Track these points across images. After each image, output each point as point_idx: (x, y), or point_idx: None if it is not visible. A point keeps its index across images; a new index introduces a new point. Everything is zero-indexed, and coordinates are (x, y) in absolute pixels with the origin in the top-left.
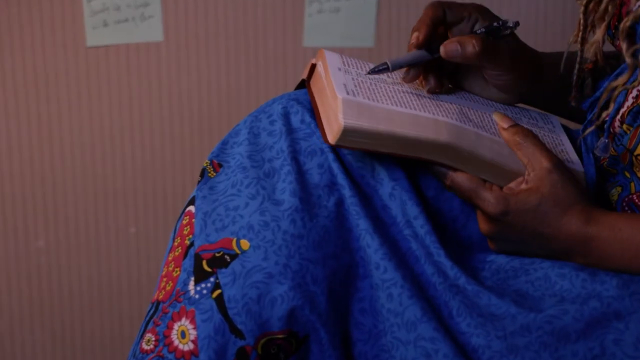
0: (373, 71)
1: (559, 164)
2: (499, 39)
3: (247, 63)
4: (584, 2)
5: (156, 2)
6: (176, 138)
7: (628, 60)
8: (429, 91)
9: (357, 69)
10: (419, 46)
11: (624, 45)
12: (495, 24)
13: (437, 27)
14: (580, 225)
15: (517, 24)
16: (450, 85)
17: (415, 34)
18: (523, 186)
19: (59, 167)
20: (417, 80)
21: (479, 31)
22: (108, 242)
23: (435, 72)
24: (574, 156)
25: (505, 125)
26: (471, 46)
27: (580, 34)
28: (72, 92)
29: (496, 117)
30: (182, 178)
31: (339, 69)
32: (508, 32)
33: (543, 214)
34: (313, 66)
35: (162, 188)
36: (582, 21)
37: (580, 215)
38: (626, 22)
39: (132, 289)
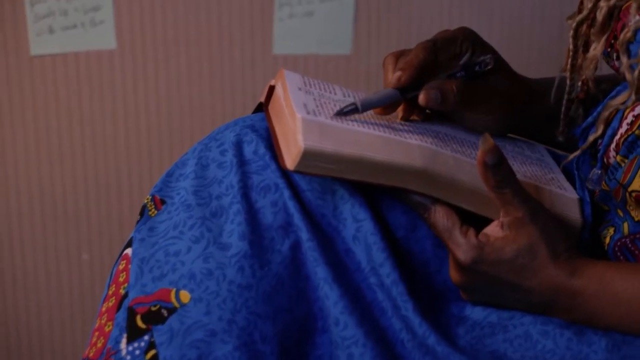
0: (340, 113)
1: (538, 210)
2: (479, 77)
3: (211, 72)
4: (575, 24)
5: (108, 5)
6: (132, 156)
7: (628, 76)
8: (403, 119)
9: (320, 90)
10: (397, 88)
11: (624, 60)
12: (476, 67)
13: (424, 72)
14: (564, 277)
15: (493, 59)
16: (428, 112)
17: (398, 74)
18: (500, 233)
19: (2, 189)
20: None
21: (458, 74)
22: (58, 269)
23: (412, 102)
24: (565, 183)
25: (483, 150)
26: (452, 96)
27: (570, 60)
28: (14, 105)
29: (480, 142)
30: (139, 199)
31: (300, 89)
32: (488, 69)
33: (520, 266)
34: (272, 88)
35: (117, 210)
36: (571, 46)
37: (564, 266)
38: (627, 33)
39: (86, 315)
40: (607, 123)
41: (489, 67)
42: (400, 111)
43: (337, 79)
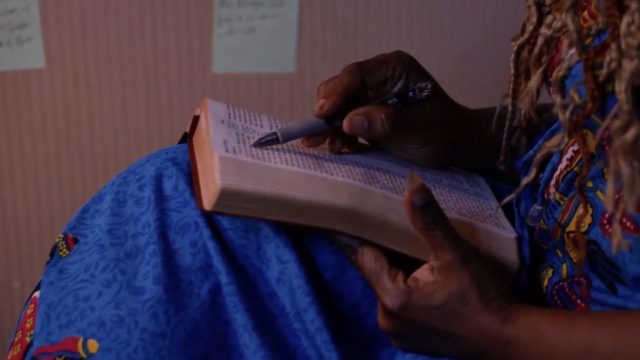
0: (260, 143)
1: (470, 253)
2: (414, 105)
3: (147, 92)
4: (515, 48)
5: (35, 22)
6: (64, 179)
7: (560, 116)
8: (332, 151)
9: (245, 122)
10: (321, 117)
11: (557, 98)
12: (410, 93)
13: (351, 97)
14: (496, 325)
15: (433, 88)
16: (359, 144)
17: (321, 102)
18: (429, 278)
19: None
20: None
21: (390, 101)
22: None
23: (341, 132)
24: (504, 220)
25: (410, 190)
26: (380, 123)
27: (512, 86)
28: None
29: (407, 182)
30: None
31: (222, 122)
32: (424, 97)
33: (450, 313)
34: (197, 118)
35: (49, 235)
36: (512, 71)
37: (496, 313)
38: (559, 72)
39: None
40: (542, 165)
41: (425, 94)
42: (330, 143)
43: (281, 98)
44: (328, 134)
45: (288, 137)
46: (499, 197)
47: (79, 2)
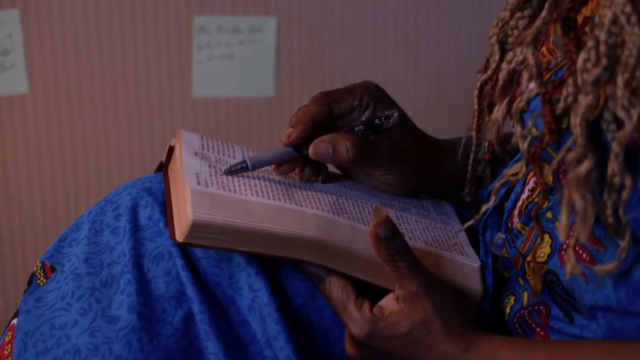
0: (230, 171)
1: (433, 283)
2: (381, 133)
3: (128, 117)
4: (479, 84)
5: (18, 49)
6: (48, 203)
7: (520, 146)
8: (301, 179)
9: (218, 153)
10: (288, 145)
11: (517, 129)
12: (376, 120)
13: (318, 125)
14: (458, 353)
15: (400, 116)
16: (329, 172)
17: (288, 132)
18: (395, 307)
19: None
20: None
21: (356, 129)
22: None
23: (311, 160)
24: (468, 249)
25: (375, 223)
26: (345, 150)
27: (476, 120)
28: None
29: (372, 214)
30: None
31: (196, 154)
32: (391, 124)
33: (414, 341)
34: (172, 149)
35: (32, 257)
36: (476, 106)
37: (458, 341)
38: (519, 104)
39: None
40: (503, 192)
41: (392, 122)
42: (299, 171)
43: (260, 122)
44: (297, 162)
45: (257, 165)
46: (464, 224)
47: (61, 29)
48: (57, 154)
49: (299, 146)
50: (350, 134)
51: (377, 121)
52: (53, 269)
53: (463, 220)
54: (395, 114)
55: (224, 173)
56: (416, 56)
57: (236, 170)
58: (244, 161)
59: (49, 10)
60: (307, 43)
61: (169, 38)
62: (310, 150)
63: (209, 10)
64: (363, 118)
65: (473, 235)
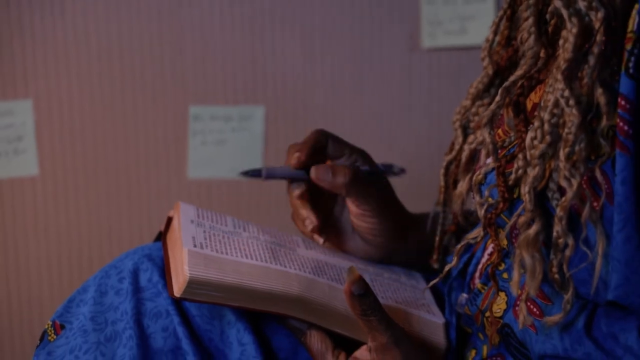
0: (246, 173)
1: (401, 336)
2: (380, 178)
3: (129, 197)
4: (445, 164)
5: (30, 135)
6: (54, 278)
7: (479, 213)
8: (313, 230)
9: (212, 222)
10: (299, 167)
11: (477, 198)
12: (381, 166)
13: (318, 154)
14: None
15: (402, 170)
16: (322, 240)
17: (297, 155)
18: (367, 357)
19: None
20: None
21: (362, 168)
22: None
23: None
24: (434, 308)
25: (349, 281)
26: (342, 176)
27: (442, 195)
28: None
29: (346, 274)
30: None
31: (192, 222)
32: (393, 174)
33: None
34: (170, 219)
35: (40, 330)
36: (442, 183)
37: None
38: (478, 176)
39: None
40: (466, 258)
41: (394, 172)
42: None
43: (249, 201)
44: (305, 189)
45: (270, 174)
46: (433, 289)
47: (69, 118)
48: (64, 230)
49: (307, 169)
50: (347, 166)
51: (380, 166)
52: (62, 327)
53: (431, 287)
54: (398, 166)
55: (240, 174)
56: (391, 143)
57: (251, 174)
58: (260, 169)
59: (58, 101)
60: (292, 130)
61: (167, 125)
62: (312, 171)
63: (203, 101)
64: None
65: (439, 297)
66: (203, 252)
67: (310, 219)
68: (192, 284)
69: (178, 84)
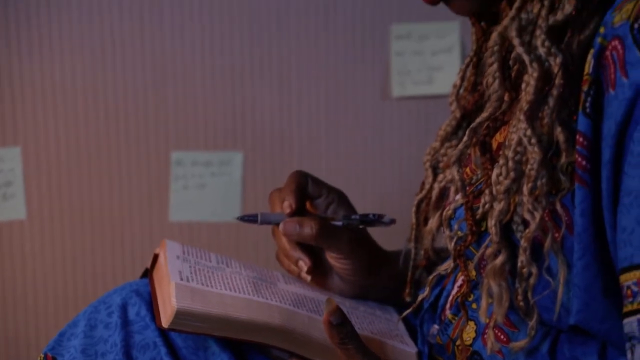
0: (242, 219)
1: None
2: (370, 226)
3: (113, 240)
4: (416, 202)
5: (19, 181)
6: (40, 317)
7: (448, 246)
8: (307, 272)
9: (197, 257)
10: (291, 214)
11: (447, 232)
12: (370, 215)
13: (302, 195)
14: None
15: (392, 221)
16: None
17: (287, 203)
18: None
19: None
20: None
21: (353, 216)
22: None
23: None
24: (407, 339)
25: (327, 312)
26: (309, 228)
27: (414, 232)
28: None
29: (325, 305)
30: None
31: (178, 257)
32: (381, 223)
33: None
34: (156, 256)
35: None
36: (413, 220)
37: None
38: (447, 212)
39: None
40: (437, 291)
41: (383, 221)
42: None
43: (228, 243)
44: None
45: (265, 220)
46: (405, 322)
47: (56, 165)
48: (50, 271)
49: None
50: (315, 217)
51: (371, 216)
52: (54, 359)
53: (404, 320)
54: (387, 217)
55: (237, 218)
56: (364, 186)
57: (247, 219)
58: (256, 215)
59: (46, 148)
60: (270, 175)
61: (150, 170)
62: (281, 227)
63: (184, 146)
64: (329, 211)
65: (412, 329)
66: (190, 285)
67: (304, 261)
68: (180, 315)
69: (161, 131)
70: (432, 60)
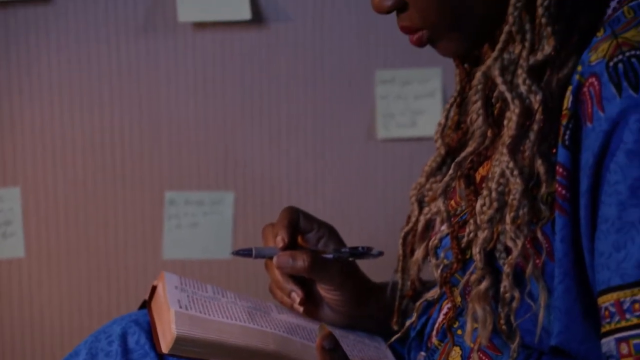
0: (237, 253)
1: None
2: (359, 258)
3: (108, 276)
4: (403, 234)
5: (17, 220)
6: (37, 355)
7: (435, 274)
8: (300, 303)
9: (194, 288)
10: (285, 248)
11: (433, 261)
12: (360, 248)
13: (294, 229)
14: None
15: (380, 253)
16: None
17: (280, 238)
18: None
19: None
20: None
21: (343, 249)
22: None
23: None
24: None
25: (320, 337)
26: (301, 261)
27: (400, 264)
28: None
29: (318, 330)
30: None
31: (176, 288)
32: (371, 255)
33: None
34: (154, 288)
35: None
36: (400, 251)
37: None
38: (434, 241)
39: None
40: (424, 319)
41: (372, 253)
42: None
43: (219, 280)
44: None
45: (259, 255)
46: (393, 350)
47: (54, 204)
48: (46, 309)
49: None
50: (307, 250)
51: (360, 249)
52: None
53: (392, 348)
54: (376, 249)
55: (232, 253)
56: (351, 225)
57: (242, 254)
58: (251, 249)
59: (44, 189)
60: (260, 214)
61: (144, 210)
62: (274, 260)
63: (177, 186)
64: (319, 245)
65: (400, 357)
66: (188, 313)
67: (296, 292)
68: (180, 341)
69: (155, 171)
70: (415, 104)
